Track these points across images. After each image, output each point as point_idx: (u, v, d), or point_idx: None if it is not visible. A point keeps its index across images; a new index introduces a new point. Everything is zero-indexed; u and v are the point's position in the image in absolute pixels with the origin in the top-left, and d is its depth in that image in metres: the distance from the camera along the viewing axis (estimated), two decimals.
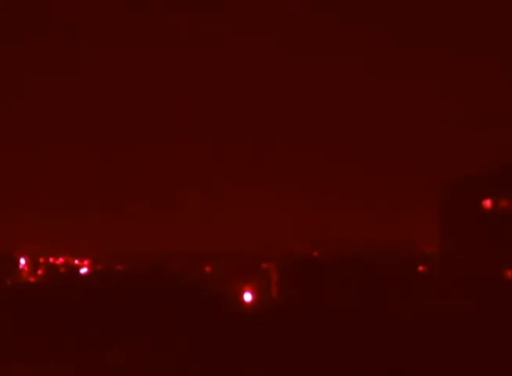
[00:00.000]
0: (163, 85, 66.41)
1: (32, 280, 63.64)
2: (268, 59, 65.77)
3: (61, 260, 67.09)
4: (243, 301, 52.44)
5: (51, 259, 66.66)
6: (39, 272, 65.09)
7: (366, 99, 67.11)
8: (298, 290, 52.48)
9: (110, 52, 64.52)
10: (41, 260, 65.92)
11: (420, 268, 53.86)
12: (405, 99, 68.02)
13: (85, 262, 65.75)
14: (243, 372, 35.95)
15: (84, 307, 47.29)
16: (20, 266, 64.01)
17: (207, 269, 61.81)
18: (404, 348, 35.68)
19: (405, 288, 50.92)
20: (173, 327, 41.96)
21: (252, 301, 51.86)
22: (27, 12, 62.91)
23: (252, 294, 53.45)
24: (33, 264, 65.01)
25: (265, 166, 67.47)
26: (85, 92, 65.12)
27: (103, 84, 64.90)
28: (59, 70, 64.17)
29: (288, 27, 66.35)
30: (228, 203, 64.34)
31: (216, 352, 38.13)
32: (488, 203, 48.58)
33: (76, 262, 66.54)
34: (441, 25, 64.96)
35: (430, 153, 66.12)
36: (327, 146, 70.72)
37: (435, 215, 51.59)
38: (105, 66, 64.84)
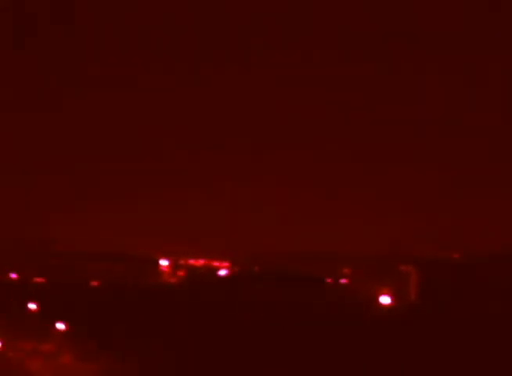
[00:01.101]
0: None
1: (172, 281, 65.00)
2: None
3: (201, 262, 68.18)
4: (380, 304, 51.90)
5: (190, 261, 67.83)
6: (179, 273, 66.37)
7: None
8: (437, 293, 51.49)
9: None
10: (181, 262, 67.15)
11: None
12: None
13: (224, 264, 66.57)
14: None
15: (225, 308, 48.11)
16: (161, 268, 65.48)
17: (345, 271, 61.46)
18: None
19: None
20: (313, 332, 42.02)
21: (390, 304, 51.23)
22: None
23: (390, 296, 52.80)
24: (173, 265, 66.36)
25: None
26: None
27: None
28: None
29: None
30: (361, 203, 63.65)
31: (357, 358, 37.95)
32: None
33: (215, 263, 67.44)
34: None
35: None
36: None
37: None
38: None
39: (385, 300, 51.69)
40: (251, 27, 65.40)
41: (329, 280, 56.44)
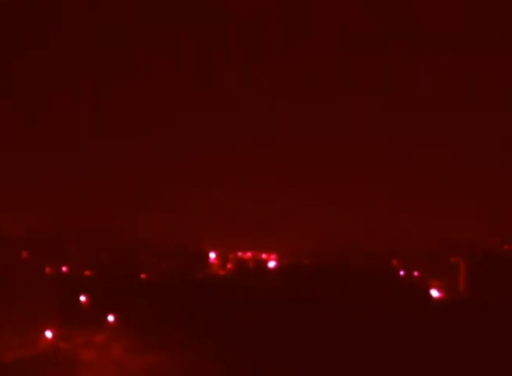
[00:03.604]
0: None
1: (222, 273, 65.21)
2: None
3: (249, 254, 68.30)
4: (429, 296, 51.54)
5: (239, 253, 68.01)
6: (228, 266, 66.59)
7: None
8: (487, 286, 50.96)
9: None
10: (230, 255, 67.38)
11: None
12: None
13: (272, 256, 66.59)
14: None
15: (275, 299, 48.07)
16: (210, 260, 65.76)
17: (394, 262, 61.10)
18: None
19: None
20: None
21: (439, 297, 50.85)
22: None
23: (439, 289, 52.39)
24: (222, 258, 66.59)
25: None
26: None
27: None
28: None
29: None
30: (411, 194, 63.23)
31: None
32: None
33: (263, 256, 67.50)
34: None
35: None
36: None
37: None
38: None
39: (435, 293, 51.35)
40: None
41: (380, 274, 56.19)
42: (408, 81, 62.92)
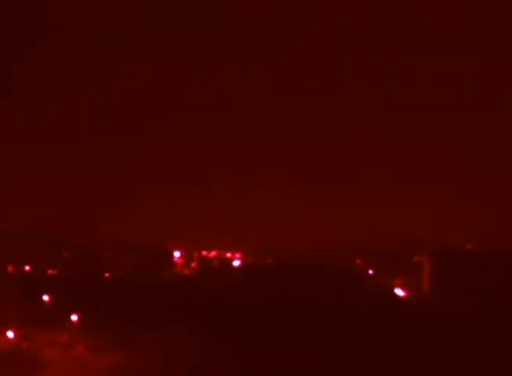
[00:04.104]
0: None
1: (186, 272, 65.07)
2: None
3: (213, 253, 68.24)
4: (394, 295, 51.76)
5: (204, 252, 67.94)
6: (193, 265, 66.50)
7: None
8: (452, 285, 51.33)
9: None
10: (195, 253, 67.30)
11: None
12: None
13: (237, 255, 66.59)
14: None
15: (238, 297, 47.98)
16: (175, 259, 65.60)
17: (358, 261, 61.33)
18: None
19: None
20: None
21: (404, 296, 51.08)
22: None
23: (404, 288, 52.63)
24: (187, 257, 66.48)
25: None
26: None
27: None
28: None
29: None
30: (376, 193, 63.55)
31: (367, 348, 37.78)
32: None
33: (228, 255, 67.50)
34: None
35: None
36: None
37: None
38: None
39: (400, 292, 51.58)
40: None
41: (342, 272, 56.32)
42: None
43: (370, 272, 58.57)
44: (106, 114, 65.86)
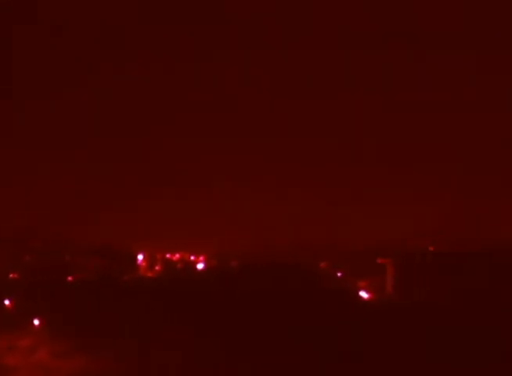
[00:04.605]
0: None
1: (150, 275, 64.74)
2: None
3: (177, 256, 68.06)
4: (359, 298, 51.94)
5: (167, 255, 67.70)
6: (156, 267, 66.23)
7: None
8: (416, 286, 51.63)
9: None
10: (158, 256, 67.07)
11: None
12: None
13: (201, 258, 66.48)
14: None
15: (203, 300, 47.81)
16: (138, 262, 65.26)
17: (322, 264, 61.46)
18: None
19: None
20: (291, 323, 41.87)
21: (368, 299, 51.28)
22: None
23: (368, 291, 52.83)
24: (150, 260, 66.18)
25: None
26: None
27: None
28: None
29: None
30: (339, 196, 63.70)
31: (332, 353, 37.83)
32: None
33: (192, 258, 67.34)
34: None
35: None
36: None
37: None
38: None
39: (364, 294, 51.78)
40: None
41: (308, 274, 56.42)
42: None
43: (336, 274, 58.75)
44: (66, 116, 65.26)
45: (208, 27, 63.62)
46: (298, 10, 63.57)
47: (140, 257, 65.29)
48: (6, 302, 50.69)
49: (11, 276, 58.85)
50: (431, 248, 63.87)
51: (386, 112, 64.35)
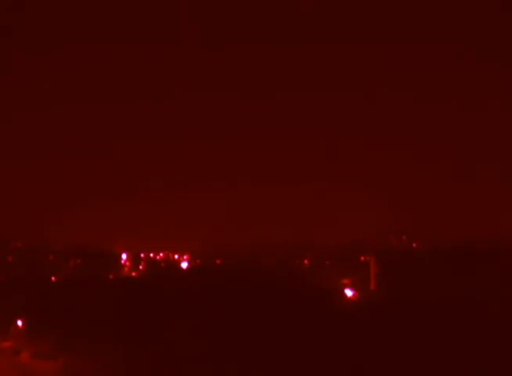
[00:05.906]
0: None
1: (134, 274, 64.69)
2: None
3: (161, 255, 68.06)
4: (344, 295, 52.02)
5: (151, 254, 67.70)
6: (140, 267, 66.20)
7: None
8: (398, 283, 51.74)
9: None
10: (142, 255, 67.06)
11: None
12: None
13: (185, 257, 66.49)
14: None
15: (186, 299, 47.79)
16: (122, 261, 65.22)
17: (305, 262, 61.58)
18: None
19: None
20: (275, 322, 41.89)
21: (353, 296, 51.37)
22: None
23: (352, 288, 52.93)
24: (134, 259, 66.14)
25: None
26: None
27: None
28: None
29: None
30: (323, 194, 63.88)
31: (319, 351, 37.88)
32: None
33: (176, 256, 67.34)
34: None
35: None
36: None
37: None
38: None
39: (348, 292, 51.86)
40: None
41: (292, 272, 56.51)
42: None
43: (318, 272, 58.85)
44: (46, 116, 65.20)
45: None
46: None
47: (124, 256, 65.27)
48: None
49: None
50: (414, 245, 64.17)
51: (365, 109, 64.62)
